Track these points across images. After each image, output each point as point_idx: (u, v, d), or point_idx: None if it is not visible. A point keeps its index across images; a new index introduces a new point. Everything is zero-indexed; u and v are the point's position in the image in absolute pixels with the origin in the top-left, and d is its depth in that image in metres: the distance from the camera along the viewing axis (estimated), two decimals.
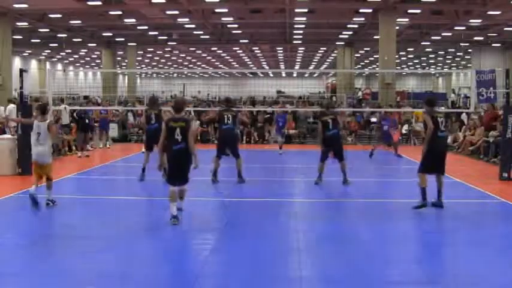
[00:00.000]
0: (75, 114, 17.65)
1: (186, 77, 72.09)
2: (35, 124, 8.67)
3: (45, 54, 51.88)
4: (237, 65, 62.85)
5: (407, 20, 28.97)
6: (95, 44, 41.21)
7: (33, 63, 53.06)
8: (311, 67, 64.60)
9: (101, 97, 33.10)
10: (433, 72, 65.03)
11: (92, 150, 17.45)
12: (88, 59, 57.80)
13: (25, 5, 25.13)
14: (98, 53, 48.74)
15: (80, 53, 52.87)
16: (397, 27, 28.17)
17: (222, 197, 10.08)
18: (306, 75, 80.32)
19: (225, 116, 11.13)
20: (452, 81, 58.94)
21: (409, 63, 60.97)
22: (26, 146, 12.32)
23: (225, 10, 27.67)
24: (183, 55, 55.13)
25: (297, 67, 64.99)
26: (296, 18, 29.92)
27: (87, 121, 16.35)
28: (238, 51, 50.84)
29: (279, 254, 6.52)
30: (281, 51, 51.49)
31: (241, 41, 40.12)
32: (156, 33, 36.55)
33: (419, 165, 8.93)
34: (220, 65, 64.01)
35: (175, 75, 78.37)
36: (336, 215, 8.75)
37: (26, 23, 30.36)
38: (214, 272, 5.94)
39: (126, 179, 11.35)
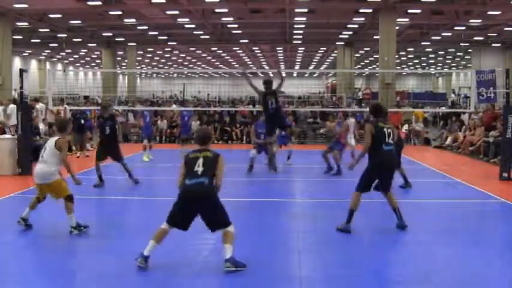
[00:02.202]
0: (71, 115, 17.68)
1: (186, 77, 72.10)
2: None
3: (45, 54, 51.90)
4: (237, 65, 62.87)
5: (407, 20, 28.98)
6: (95, 44, 41.22)
7: (33, 63, 53.06)
8: (311, 67, 64.62)
9: (101, 97, 33.12)
10: (433, 72, 65.06)
11: (92, 150, 17.42)
12: (88, 59, 57.83)
13: (25, 5, 25.15)
14: (98, 53, 48.76)
15: (80, 53, 52.90)
16: (397, 27, 28.17)
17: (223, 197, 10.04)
18: (306, 75, 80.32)
19: None
20: (452, 81, 58.95)
21: (409, 63, 60.99)
22: (26, 146, 12.40)
23: (225, 10, 27.68)
24: (183, 55, 55.13)
25: (297, 67, 65.02)
26: (296, 18, 29.92)
27: (82, 122, 16.30)
28: (238, 51, 50.83)
29: (279, 254, 6.52)
30: (281, 51, 51.47)
31: (241, 41, 40.12)
32: (156, 33, 36.55)
33: (358, 183, 7.36)
34: (220, 65, 64.03)
35: (175, 75, 78.41)
36: (336, 215, 8.72)
37: (26, 23, 30.39)
38: (214, 271, 5.94)
39: (125, 179, 11.31)
